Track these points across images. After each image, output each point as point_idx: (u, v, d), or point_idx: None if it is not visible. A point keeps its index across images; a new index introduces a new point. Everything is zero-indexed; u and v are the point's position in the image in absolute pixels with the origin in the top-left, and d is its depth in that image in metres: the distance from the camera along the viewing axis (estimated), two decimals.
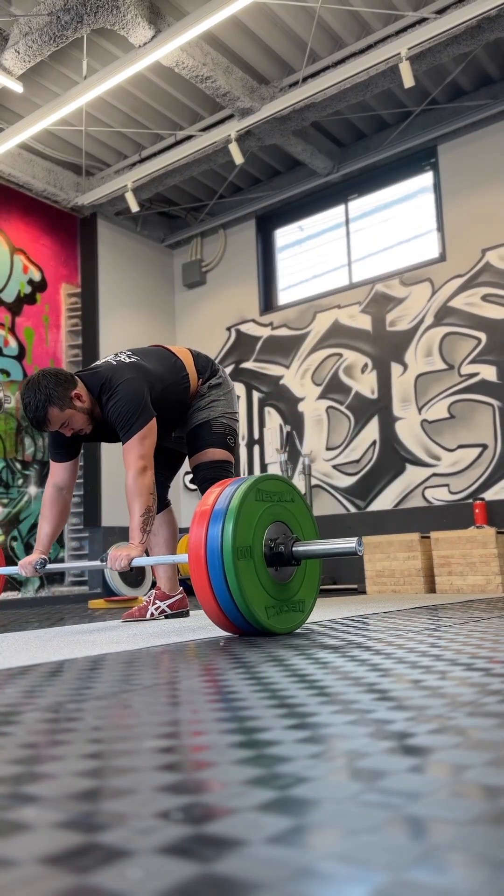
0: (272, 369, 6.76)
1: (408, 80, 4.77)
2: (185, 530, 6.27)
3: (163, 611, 3.21)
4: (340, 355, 6.34)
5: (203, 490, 2.88)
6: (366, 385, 6.16)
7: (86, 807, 0.62)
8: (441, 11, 4.71)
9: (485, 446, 5.51)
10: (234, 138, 5.61)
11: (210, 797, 0.63)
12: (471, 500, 5.48)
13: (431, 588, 4.77)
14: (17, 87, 4.89)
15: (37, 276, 6.48)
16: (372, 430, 6.07)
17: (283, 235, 7.07)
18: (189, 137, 5.99)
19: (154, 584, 3.53)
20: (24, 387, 2.70)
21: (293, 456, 6.48)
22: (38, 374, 2.72)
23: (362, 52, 5.07)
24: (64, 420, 2.73)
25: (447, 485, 5.65)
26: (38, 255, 6.51)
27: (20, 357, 6.23)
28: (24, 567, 2.82)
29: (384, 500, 5.94)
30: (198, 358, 3.08)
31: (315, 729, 0.87)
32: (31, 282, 6.42)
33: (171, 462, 3.24)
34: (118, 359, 2.88)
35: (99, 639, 2.30)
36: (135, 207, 6.18)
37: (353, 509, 6.09)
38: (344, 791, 0.63)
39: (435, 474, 5.72)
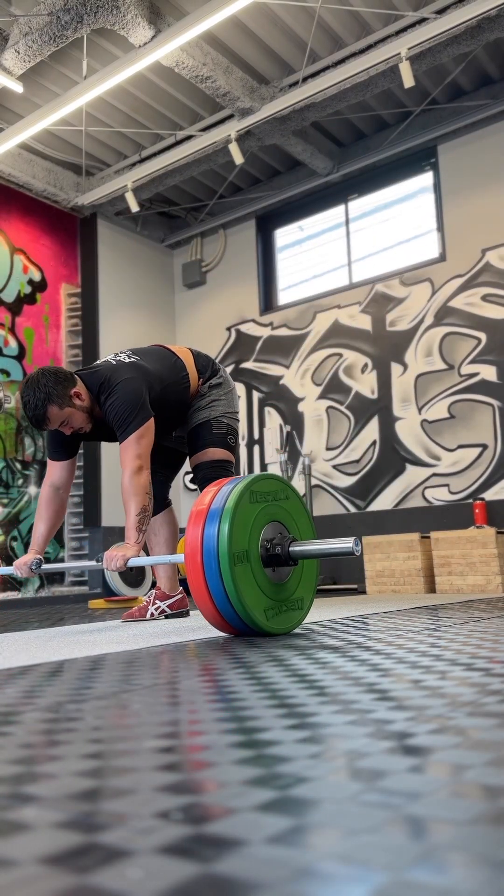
0: (272, 369, 6.76)
1: (408, 80, 4.77)
2: (185, 530, 6.25)
3: (163, 611, 3.20)
4: (340, 355, 6.34)
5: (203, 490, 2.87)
6: (366, 385, 6.16)
7: (86, 807, 0.62)
8: (441, 11, 4.71)
9: (485, 446, 5.51)
10: (234, 138, 5.61)
11: (210, 797, 0.63)
12: (471, 500, 5.48)
13: (431, 588, 4.77)
14: (17, 87, 4.89)
15: (37, 276, 6.48)
16: (372, 430, 6.07)
17: (283, 235, 7.07)
18: (189, 137, 5.99)
19: (154, 584, 3.53)
20: (24, 385, 2.70)
21: (293, 456, 6.48)
22: (37, 372, 2.72)
23: (362, 52, 5.07)
24: (63, 418, 2.73)
25: (447, 485, 5.65)
26: (38, 255, 6.51)
27: (20, 357, 6.23)
28: (19, 567, 2.80)
29: (384, 500, 5.94)
30: (198, 358, 3.07)
31: (315, 729, 0.87)
32: (31, 282, 6.42)
33: (171, 461, 3.23)
34: (118, 358, 2.88)
35: (99, 639, 2.30)
36: (135, 207, 6.18)
37: (353, 509, 6.09)
38: (344, 791, 0.63)
39: (435, 474, 5.71)
